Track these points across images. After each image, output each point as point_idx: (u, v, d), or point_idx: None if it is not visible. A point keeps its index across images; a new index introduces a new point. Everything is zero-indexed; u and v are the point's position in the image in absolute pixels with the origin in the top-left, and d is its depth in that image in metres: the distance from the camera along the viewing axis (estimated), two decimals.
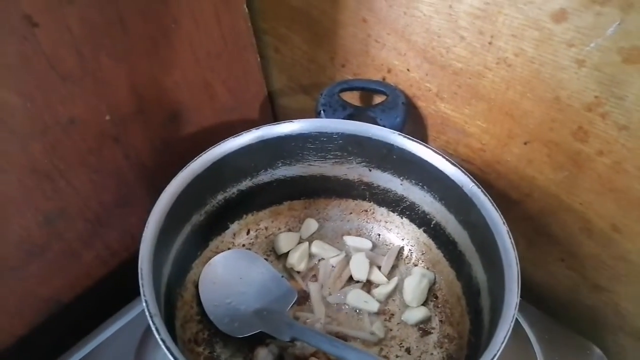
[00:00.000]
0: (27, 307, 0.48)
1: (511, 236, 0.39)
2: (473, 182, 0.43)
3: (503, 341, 0.32)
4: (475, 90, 0.47)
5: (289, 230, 0.54)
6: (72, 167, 0.48)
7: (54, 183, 0.47)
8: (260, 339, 0.44)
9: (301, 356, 0.42)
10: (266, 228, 0.54)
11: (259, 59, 0.64)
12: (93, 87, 0.47)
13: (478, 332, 0.42)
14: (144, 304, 0.33)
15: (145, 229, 0.38)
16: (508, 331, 0.33)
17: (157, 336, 0.31)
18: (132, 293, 0.53)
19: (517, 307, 0.34)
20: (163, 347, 0.31)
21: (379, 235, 0.54)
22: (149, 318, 0.32)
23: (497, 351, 0.32)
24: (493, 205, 0.41)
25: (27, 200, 0.45)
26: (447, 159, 0.45)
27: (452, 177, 0.44)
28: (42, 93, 0.44)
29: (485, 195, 0.42)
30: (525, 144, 0.46)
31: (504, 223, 0.40)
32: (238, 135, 0.47)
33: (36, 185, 0.46)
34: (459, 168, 0.44)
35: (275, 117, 0.72)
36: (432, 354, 0.45)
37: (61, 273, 0.50)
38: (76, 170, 0.48)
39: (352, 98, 0.56)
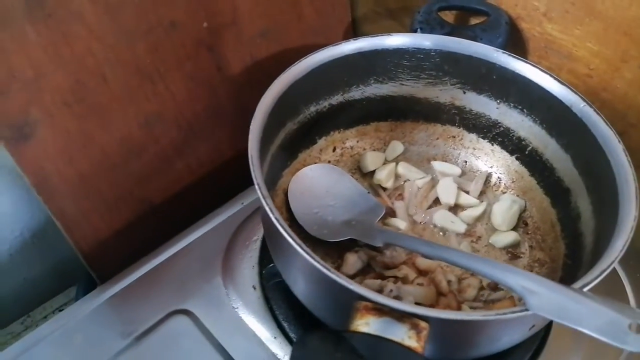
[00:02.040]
0: (123, 203, 0.51)
1: (627, 154, 0.37)
2: (585, 101, 0.41)
3: (622, 249, 0.31)
4: (592, 7, 0.44)
5: (374, 150, 0.54)
6: (171, 71, 0.49)
7: (154, 85, 0.48)
8: (349, 247, 0.45)
9: (390, 264, 0.43)
10: (352, 147, 0.54)
11: None
12: None
13: (576, 255, 0.41)
14: (257, 186, 0.34)
15: (252, 121, 0.39)
16: (627, 240, 0.32)
17: (271, 215, 0.32)
18: (217, 202, 0.55)
19: (636, 219, 0.33)
20: (277, 224, 0.31)
21: (466, 162, 0.53)
22: (262, 199, 0.33)
23: (616, 257, 0.31)
24: (607, 124, 0.39)
25: (130, 99, 0.47)
26: (555, 78, 0.43)
27: (560, 97, 0.43)
28: None
29: (598, 114, 0.40)
30: None
31: (619, 141, 0.38)
32: (337, 45, 0.46)
33: (139, 85, 0.47)
34: (568, 87, 0.42)
35: None
36: None
37: (155, 176, 0.52)
38: (174, 74, 0.49)
39: (448, 19, 0.54)
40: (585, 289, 0.30)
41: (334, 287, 0.30)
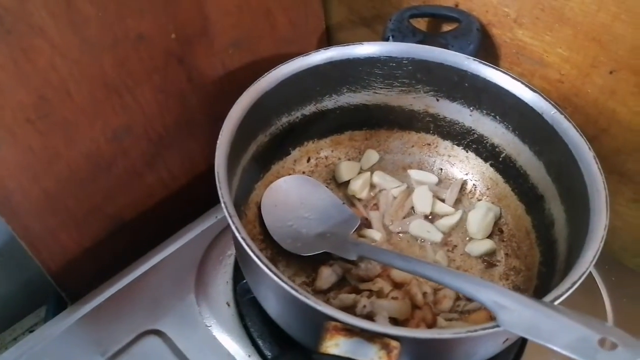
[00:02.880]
0: (93, 220, 0.49)
1: (598, 161, 0.37)
2: (555, 108, 0.41)
3: (592, 260, 0.31)
4: (561, 13, 0.44)
5: (349, 160, 0.53)
6: (139, 84, 0.48)
7: (122, 99, 0.47)
8: (323, 260, 0.44)
9: (365, 277, 0.42)
10: (326, 157, 0.53)
11: None
12: (162, 4, 0.46)
13: (550, 262, 0.41)
14: (223, 205, 0.33)
15: (220, 136, 0.38)
16: (597, 250, 0.31)
17: (237, 235, 0.31)
18: (190, 216, 0.54)
19: (607, 228, 0.33)
20: (244, 244, 0.31)
21: (441, 169, 0.53)
22: (229, 218, 0.32)
23: (587, 269, 0.30)
24: (578, 131, 0.39)
25: (97, 113, 0.46)
26: (526, 85, 0.43)
27: (532, 104, 0.43)
28: (115, 4, 0.43)
29: (569, 121, 0.40)
30: (610, 73, 0.44)
31: (589, 149, 0.38)
32: (307, 55, 0.45)
33: (106, 98, 0.46)
34: (540, 94, 0.42)
35: None
36: None
37: (125, 191, 0.51)
38: (143, 87, 0.48)
39: (420, 26, 0.54)
40: (556, 302, 0.29)
41: (303, 307, 0.29)
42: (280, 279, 0.29)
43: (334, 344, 0.27)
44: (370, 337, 0.27)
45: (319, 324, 0.29)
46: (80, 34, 0.42)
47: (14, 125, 0.41)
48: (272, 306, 0.37)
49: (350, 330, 0.28)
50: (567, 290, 0.30)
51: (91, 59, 0.44)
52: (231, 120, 0.39)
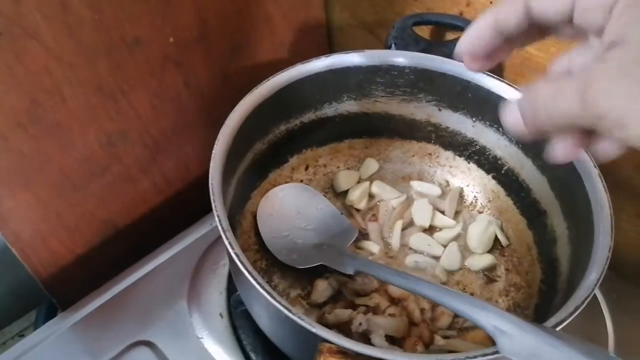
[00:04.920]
0: (85, 226, 0.49)
1: (603, 179, 0.36)
2: None
3: (596, 283, 0.30)
4: None
5: (348, 168, 0.52)
6: (135, 88, 0.47)
7: (117, 104, 0.46)
8: (319, 272, 0.43)
9: (361, 292, 0.41)
10: (325, 165, 0.52)
11: None
12: (159, 7, 0.45)
13: (552, 281, 0.40)
14: (217, 219, 0.32)
15: (215, 146, 0.37)
16: (602, 273, 0.30)
17: (230, 251, 0.30)
18: (185, 223, 0.53)
19: (611, 249, 0.32)
20: (237, 260, 0.30)
21: (447, 181, 0.52)
22: (221, 232, 0.31)
23: (590, 292, 0.29)
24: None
25: (91, 118, 0.45)
26: None
27: None
28: (111, 7, 0.42)
29: None
30: None
31: (595, 166, 0.37)
32: (307, 62, 0.44)
33: (101, 103, 0.45)
34: None
35: None
36: (497, 301, 0.43)
37: (119, 196, 0.50)
38: (138, 92, 0.47)
39: (424, 34, 0.53)
40: (558, 328, 0.28)
41: (297, 327, 0.28)
42: (274, 299, 0.28)
43: None
44: None
45: (313, 344, 0.28)
46: (76, 37, 0.41)
47: (5, 130, 0.40)
48: (265, 323, 0.36)
49: (344, 353, 0.27)
50: (570, 315, 0.29)
51: (86, 62, 0.43)
52: (227, 128, 0.38)
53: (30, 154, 0.42)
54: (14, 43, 0.38)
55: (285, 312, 0.28)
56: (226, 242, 0.31)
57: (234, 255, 0.30)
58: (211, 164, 0.35)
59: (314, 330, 0.27)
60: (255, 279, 0.29)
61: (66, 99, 0.43)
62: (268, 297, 0.28)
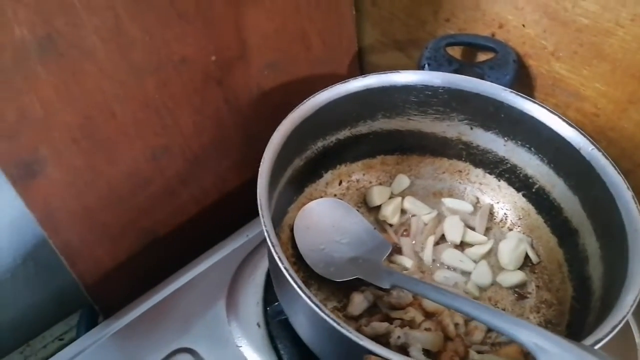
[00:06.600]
0: (128, 235, 0.51)
1: (636, 201, 0.37)
2: (593, 144, 0.41)
3: (633, 304, 0.31)
4: (600, 49, 0.44)
5: (380, 184, 0.54)
6: (179, 105, 0.49)
7: (162, 120, 0.48)
8: (355, 285, 0.44)
9: (397, 305, 0.42)
10: (357, 180, 0.54)
11: (354, 12, 0.63)
12: (203, 28, 0.48)
13: (584, 299, 0.40)
14: (266, 234, 0.34)
15: (262, 164, 0.38)
16: (638, 295, 0.31)
17: (280, 265, 0.32)
18: (221, 233, 0.55)
19: None
20: (287, 274, 0.31)
21: (475, 197, 0.53)
22: (271, 247, 0.33)
23: (627, 313, 0.30)
24: (616, 169, 0.39)
25: (138, 133, 0.47)
26: (564, 120, 0.43)
27: (568, 139, 0.43)
28: (161, 29, 0.45)
29: (607, 159, 0.40)
30: None
31: (628, 188, 0.38)
32: (345, 82, 0.46)
33: (147, 119, 0.47)
34: (577, 129, 0.42)
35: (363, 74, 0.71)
36: (528, 317, 0.44)
37: (160, 207, 0.52)
38: (182, 109, 0.50)
39: (455, 54, 0.55)
40: (596, 347, 0.29)
41: (342, 339, 0.30)
42: (323, 312, 0.30)
43: None
44: None
45: (356, 356, 0.29)
46: (127, 58, 0.44)
47: (60, 145, 0.42)
48: (306, 333, 0.37)
49: None
50: (607, 335, 0.30)
51: (136, 81, 0.45)
52: (272, 147, 0.40)
53: (82, 168, 0.45)
54: (73, 63, 0.41)
55: (334, 325, 0.29)
56: (276, 257, 0.32)
57: (283, 270, 0.31)
58: (258, 182, 0.37)
59: (361, 343, 0.29)
60: (304, 293, 0.30)
61: (116, 115, 0.45)
62: (318, 310, 0.30)
